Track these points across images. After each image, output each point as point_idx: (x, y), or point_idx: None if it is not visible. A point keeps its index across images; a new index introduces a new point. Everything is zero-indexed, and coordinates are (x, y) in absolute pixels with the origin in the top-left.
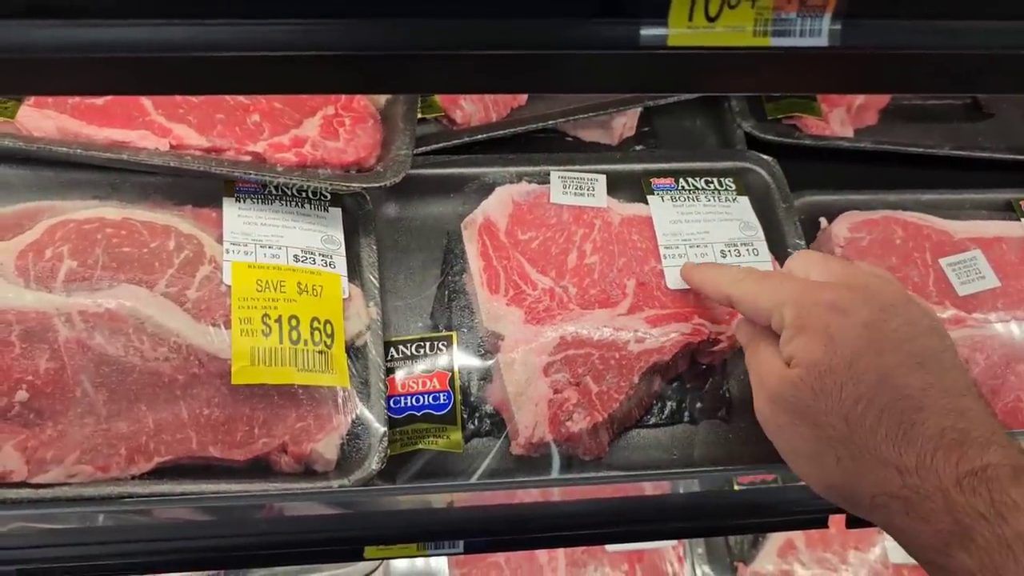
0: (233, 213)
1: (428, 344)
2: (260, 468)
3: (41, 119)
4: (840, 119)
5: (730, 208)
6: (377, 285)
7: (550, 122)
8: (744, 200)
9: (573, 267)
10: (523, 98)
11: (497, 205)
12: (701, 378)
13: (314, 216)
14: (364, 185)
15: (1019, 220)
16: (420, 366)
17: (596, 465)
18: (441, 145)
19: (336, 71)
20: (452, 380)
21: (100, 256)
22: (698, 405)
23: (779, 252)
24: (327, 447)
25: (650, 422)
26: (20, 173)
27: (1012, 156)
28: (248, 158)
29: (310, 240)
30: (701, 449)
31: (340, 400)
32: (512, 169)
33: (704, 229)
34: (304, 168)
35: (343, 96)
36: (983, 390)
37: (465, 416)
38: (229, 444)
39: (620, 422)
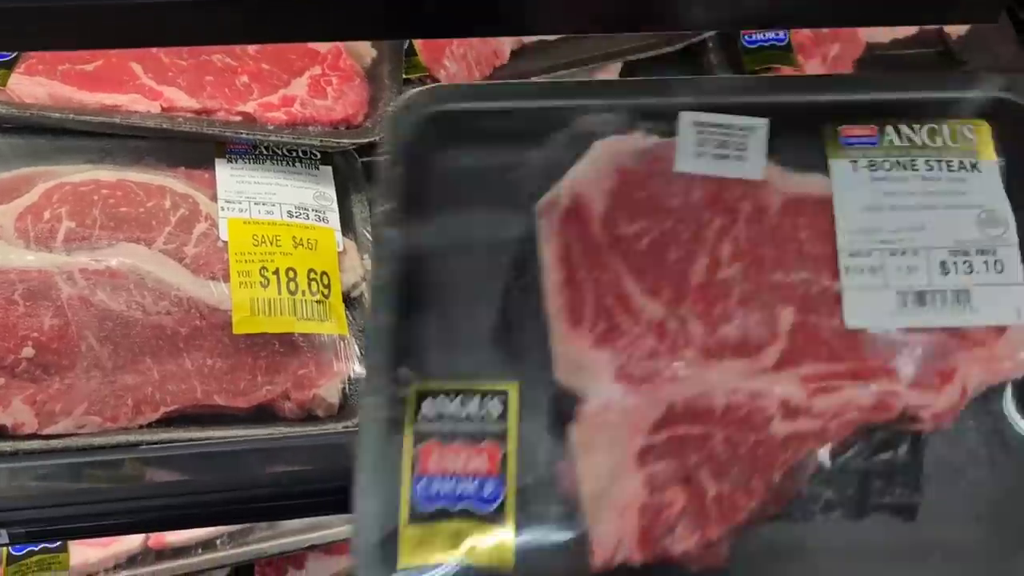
0: (226, 173)
1: (476, 398)
2: (265, 415)
3: (33, 86)
4: (815, 70)
5: (966, 183)
6: (370, 238)
7: (532, 79)
8: (990, 167)
9: (699, 283)
10: (505, 55)
11: (593, 173)
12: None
13: (305, 174)
14: (354, 141)
15: None
16: (461, 429)
17: None
18: None
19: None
20: (505, 460)
21: (98, 216)
22: (874, 486)
23: None
24: (329, 392)
25: (793, 515)
26: (12, 141)
27: None
28: (239, 118)
29: (303, 197)
30: (867, 558)
31: (340, 348)
32: (603, 103)
33: (917, 222)
34: (294, 126)
35: (329, 56)
36: None
37: (520, 516)
38: (233, 392)
39: (747, 522)
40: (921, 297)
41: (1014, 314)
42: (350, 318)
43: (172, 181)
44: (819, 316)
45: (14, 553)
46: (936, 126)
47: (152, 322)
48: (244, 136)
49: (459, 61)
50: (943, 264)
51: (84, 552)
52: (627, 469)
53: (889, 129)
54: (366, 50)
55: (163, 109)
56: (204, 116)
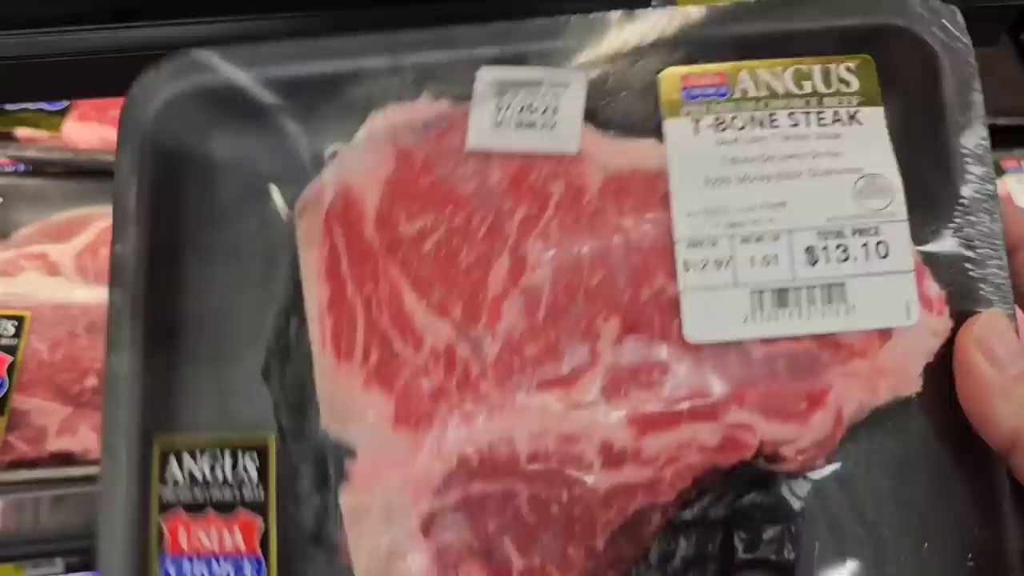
0: None
1: (222, 459)
2: None
3: (84, 131)
4: None
5: (842, 140)
6: None
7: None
8: (874, 117)
9: (498, 294)
10: None
11: (365, 156)
12: (748, 488)
13: None
14: None
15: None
16: (213, 497)
17: None
18: None
19: None
20: (265, 538)
21: None
22: (741, 539)
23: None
24: None
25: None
26: (65, 184)
27: None
28: None
29: None
30: None
31: None
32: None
33: (776, 197)
34: None
35: None
36: None
37: None
38: None
39: None
40: (782, 296)
41: (902, 313)
42: None
43: None
44: (651, 329)
45: None
46: (804, 67)
47: None
48: None
49: None
50: (810, 251)
51: None
52: (410, 541)
53: (743, 75)
54: None
55: None
56: None
